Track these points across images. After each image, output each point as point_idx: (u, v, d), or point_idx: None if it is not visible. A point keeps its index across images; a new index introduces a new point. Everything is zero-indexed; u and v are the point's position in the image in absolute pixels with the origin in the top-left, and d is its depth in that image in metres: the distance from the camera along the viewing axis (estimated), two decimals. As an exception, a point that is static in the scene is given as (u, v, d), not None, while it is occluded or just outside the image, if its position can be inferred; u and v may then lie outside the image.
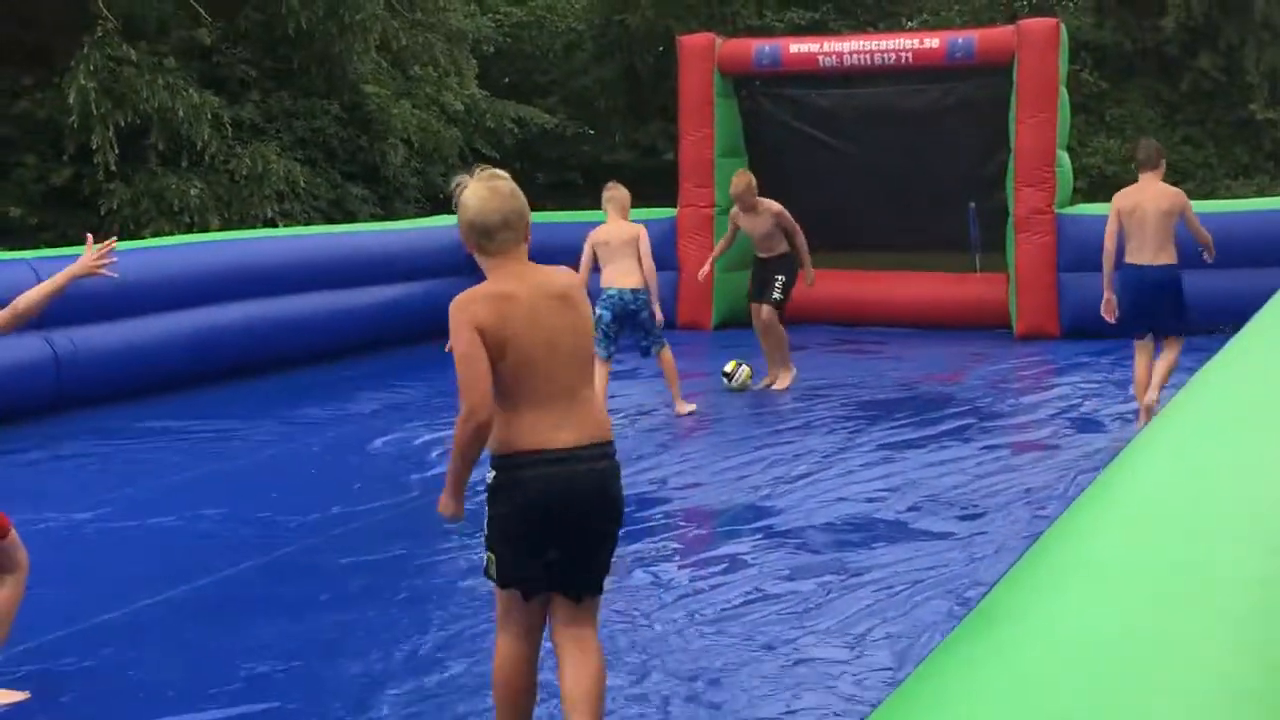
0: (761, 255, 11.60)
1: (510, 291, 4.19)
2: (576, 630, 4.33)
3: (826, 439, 9.64)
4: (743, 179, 11.38)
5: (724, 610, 6.16)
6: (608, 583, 4.50)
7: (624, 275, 10.20)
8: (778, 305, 11.37)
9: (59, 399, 11.00)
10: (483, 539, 4.33)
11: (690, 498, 8.26)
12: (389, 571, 6.91)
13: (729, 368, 11.60)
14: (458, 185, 4.32)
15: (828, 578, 6.57)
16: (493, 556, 4.27)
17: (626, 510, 7.75)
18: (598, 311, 9.98)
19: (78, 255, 11.75)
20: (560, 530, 4.21)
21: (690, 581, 6.60)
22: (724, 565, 6.87)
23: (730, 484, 8.48)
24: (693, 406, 10.64)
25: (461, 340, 4.11)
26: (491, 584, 4.39)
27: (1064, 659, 1.97)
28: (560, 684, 4.36)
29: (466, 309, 4.15)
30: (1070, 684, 1.87)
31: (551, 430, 4.17)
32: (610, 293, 10.21)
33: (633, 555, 7.04)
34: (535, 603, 4.32)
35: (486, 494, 4.27)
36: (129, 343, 11.54)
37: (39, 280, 10.76)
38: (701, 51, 15.21)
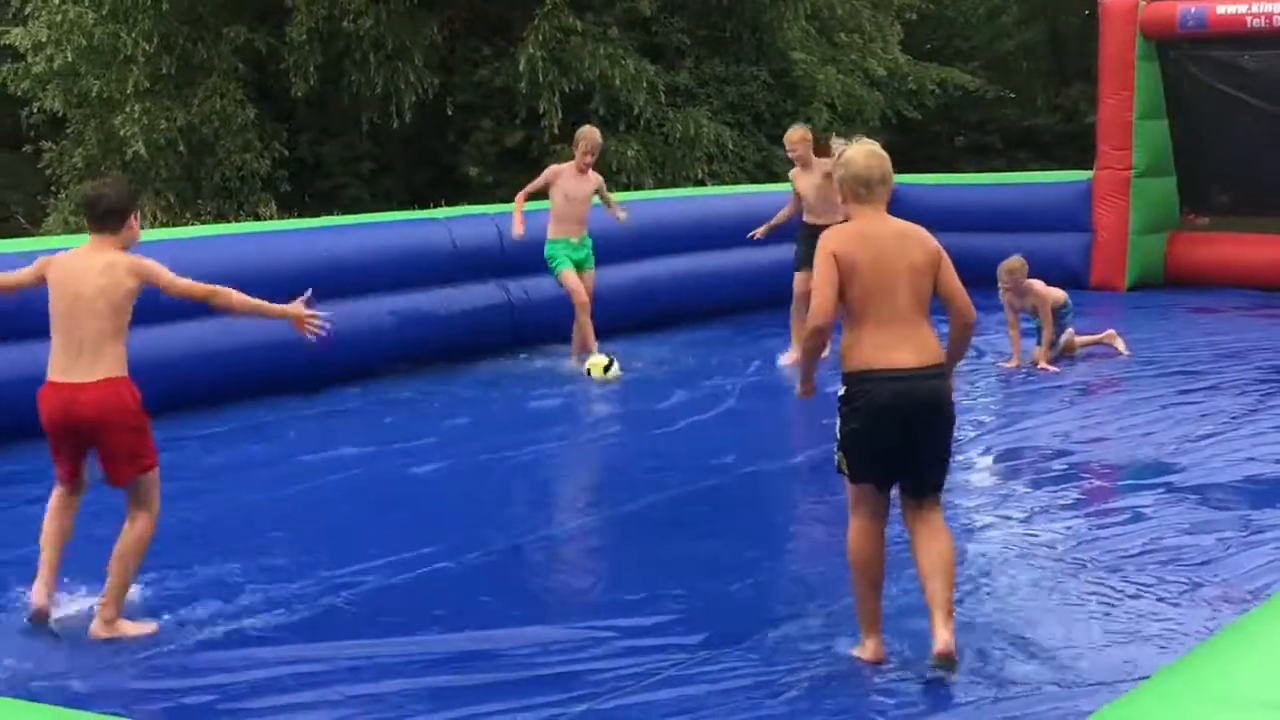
0: (813, 221, 10.69)
1: (865, 231, 5.11)
2: (924, 516, 5.16)
3: (1237, 400, 9.53)
4: (796, 132, 11.08)
5: (1121, 558, 6.30)
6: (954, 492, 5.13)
7: None
8: None
9: (514, 340, 11.91)
10: (835, 441, 5.16)
11: (1093, 452, 8.40)
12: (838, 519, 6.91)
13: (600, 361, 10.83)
14: (841, 150, 5.31)
15: (1229, 533, 6.59)
16: (842, 456, 5.14)
17: (1026, 461, 8.25)
18: None
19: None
20: (899, 435, 5.02)
21: (1089, 530, 6.79)
22: (1124, 516, 6.99)
23: (1134, 440, 8.55)
24: None
25: (819, 261, 5.07)
26: (843, 477, 5.21)
27: None
28: (915, 561, 5.16)
29: (829, 241, 5.12)
30: None
31: (894, 351, 5.00)
32: None
33: (1034, 503, 7.30)
34: (880, 491, 5.16)
35: (838, 404, 5.11)
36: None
37: (499, 234, 11.85)
38: (1124, 14, 15.10)
